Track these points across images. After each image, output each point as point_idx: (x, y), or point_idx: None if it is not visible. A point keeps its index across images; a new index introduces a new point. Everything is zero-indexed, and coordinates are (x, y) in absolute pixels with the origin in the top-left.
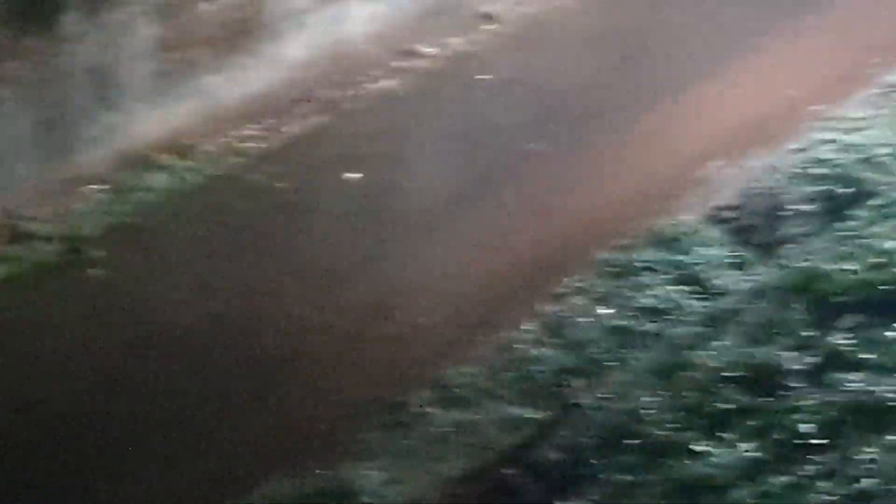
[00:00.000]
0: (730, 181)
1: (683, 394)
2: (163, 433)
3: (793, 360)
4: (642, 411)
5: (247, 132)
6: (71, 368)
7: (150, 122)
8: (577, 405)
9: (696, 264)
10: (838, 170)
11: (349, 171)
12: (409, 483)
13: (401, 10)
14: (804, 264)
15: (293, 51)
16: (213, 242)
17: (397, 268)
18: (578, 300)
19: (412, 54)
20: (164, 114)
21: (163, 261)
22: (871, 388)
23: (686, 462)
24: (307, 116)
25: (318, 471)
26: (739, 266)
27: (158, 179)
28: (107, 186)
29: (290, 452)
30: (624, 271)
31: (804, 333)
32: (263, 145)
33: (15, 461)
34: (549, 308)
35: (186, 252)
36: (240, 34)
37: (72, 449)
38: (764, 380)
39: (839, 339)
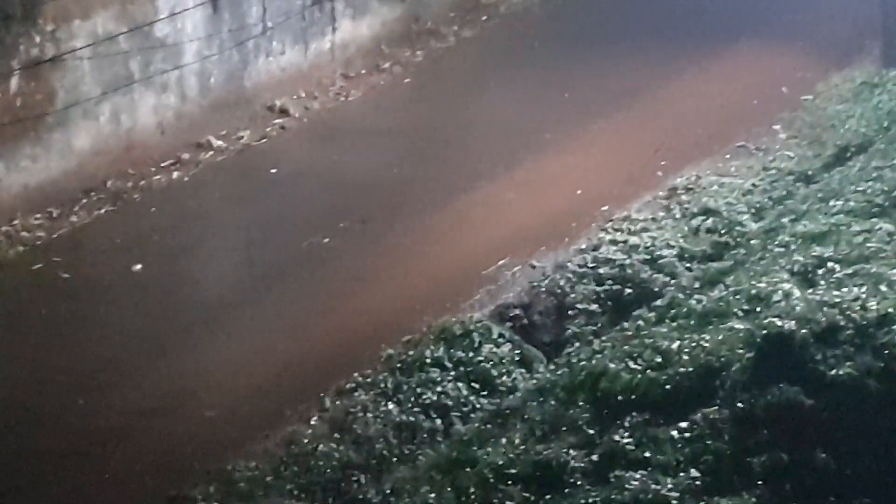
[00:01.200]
0: (518, 279)
1: (468, 490)
2: None
3: (576, 458)
4: None
5: (31, 221)
6: None
7: None
8: (361, 501)
9: (484, 362)
10: (624, 270)
11: (136, 263)
12: None
13: (191, 102)
14: (589, 363)
15: (82, 140)
16: None
17: (183, 361)
18: (366, 395)
19: (202, 146)
20: None
21: None
22: (652, 486)
23: None
24: (94, 206)
25: None
26: (526, 364)
27: None
28: None
29: None
30: (412, 367)
31: (588, 431)
32: (49, 234)
33: None
34: (337, 403)
35: None
36: (28, 122)
37: None
38: (548, 477)
39: (622, 438)
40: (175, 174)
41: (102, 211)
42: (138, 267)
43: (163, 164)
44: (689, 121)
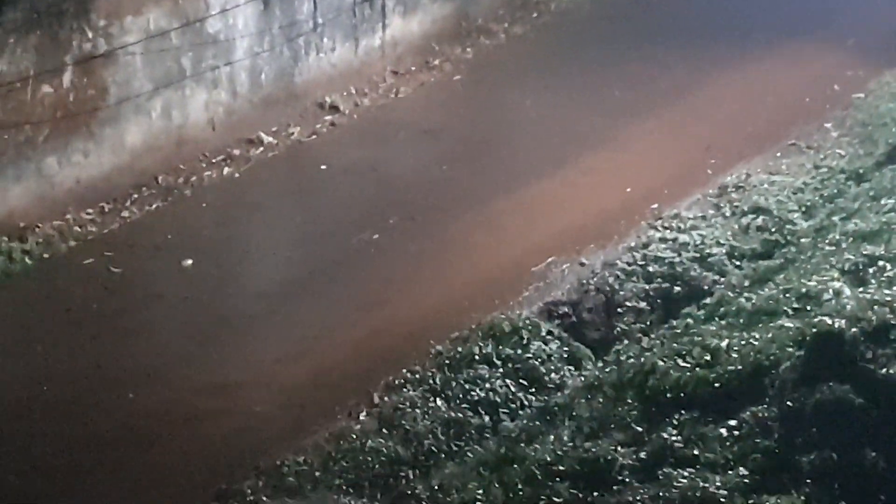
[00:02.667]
0: (567, 277)
1: (516, 487)
2: None
3: (625, 455)
4: None
5: (84, 216)
6: None
7: None
8: (409, 496)
9: (532, 359)
10: (674, 268)
11: (186, 258)
12: None
13: (241, 98)
14: (638, 361)
15: (134, 135)
16: (46, 326)
17: (232, 356)
18: (415, 391)
19: (253, 142)
20: (0, 195)
21: None
22: (700, 484)
23: None
24: (146, 202)
25: None
26: (574, 361)
27: None
28: None
29: None
30: (460, 364)
31: (636, 428)
32: (100, 229)
33: None
34: (386, 399)
35: (18, 335)
36: (80, 117)
37: None
38: (596, 474)
39: (671, 435)
40: (226, 170)
41: (153, 206)
42: (189, 262)
43: (213, 160)
44: (739, 119)
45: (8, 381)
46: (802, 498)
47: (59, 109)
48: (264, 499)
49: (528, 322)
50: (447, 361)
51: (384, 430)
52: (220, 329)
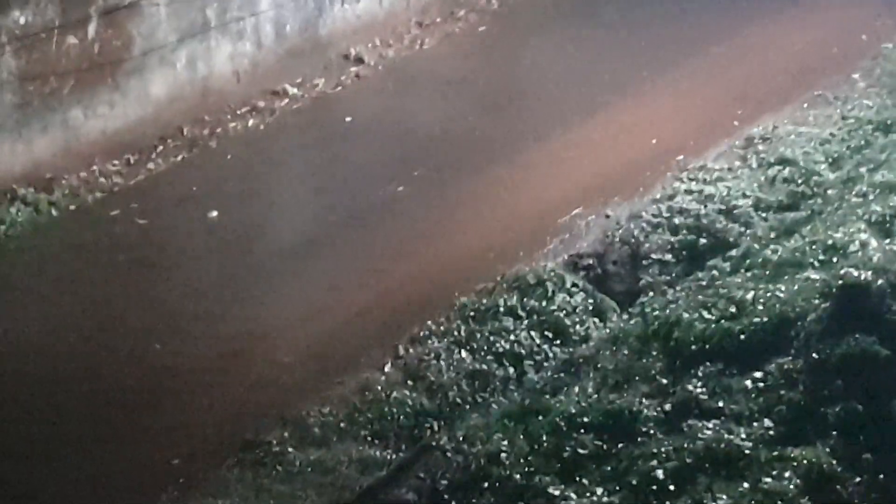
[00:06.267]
0: (592, 229)
1: (541, 438)
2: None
3: (649, 407)
4: (500, 455)
5: (109, 167)
6: None
7: (11, 154)
8: (434, 447)
9: (557, 311)
10: (699, 220)
11: (211, 209)
12: None
13: (266, 50)
14: (663, 313)
15: (158, 87)
16: (72, 278)
17: (258, 307)
18: (439, 343)
19: (278, 94)
20: (26, 146)
21: (19, 294)
22: (725, 436)
23: None
24: (171, 153)
25: None
26: (599, 313)
27: (17, 213)
28: None
29: (143, 490)
30: (485, 316)
31: (661, 381)
32: (126, 181)
33: None
34: (411, 350)
35: (44, 287)
36: (105, 69)
37: None
38: (620, 426)
39: (695, 387)
40: (251, 121)
41: (179, 158)
42: (214, 213)
43: (238, 112)
44: (766, 69)
45: (34, 333)
46: (828, 450)
47: (84, 61)
48: (290, 450)
49: (552, 274)
50: (472, 313)
51: (409, 382)
52: (246, 280)
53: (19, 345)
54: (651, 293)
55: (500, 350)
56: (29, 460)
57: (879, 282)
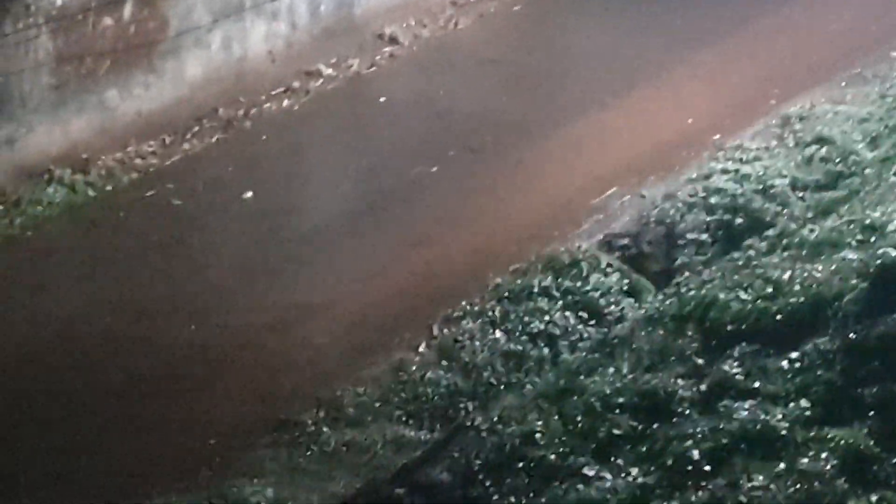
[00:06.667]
0: (627, 209)
1: (576, 419)
2: (42, 447)
3: (684, 388)
4: (534, 435)
5: (145, 148)
6: None
7: (48, 135)
8: (468, 427)
9: (591, 291)
10: (735, 200)
11: (246, 190)
12: (300, 500)
13: (300, 30)
14: (699, 293)
15: (194, 68)
16: (108, 258)
17: (292, 288)
18: (474, 324)
19: (312, 74)
20: (62, 127)
21: (57, 274)
22: (761, 417)
23: (577, 486)
24: (206, 134)
25: (210, 486)
26: (634, 293)
27: (54, 193)
28: (2, 199)
29: (179, 469)
30: (520, 296)
31: (697, 361)
32: (161, 162)
33: None
34: (445, 331)
35: (80, 266)
36: (140, 50)
37: None
38: (655, 406)
39: (731, 368)
40: (285, 102)
41: (214, 139)
42: (249, 194)
43: (273, 92)
44: (802, 48)
45: (71, 312)
46: (865, 430)
47: (119, 42)
48: (324, 430)
49: (587, 254)
50: (506, 294)
51: (443, 362)
52: (280, 261)
53: (56, 324)
54: (686, 273)
55: (535, 330)
56: (65, 440)
57: None
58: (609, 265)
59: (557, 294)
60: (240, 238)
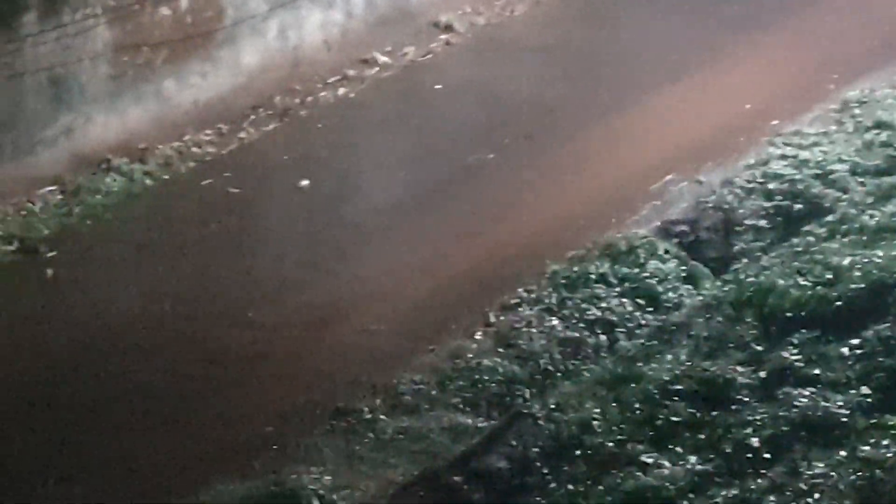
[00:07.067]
0: (684, 195)
1: (633, 406)
2: (109, 429)
3: (743, 375)
4: (592, 422)
5: (202, 137)
6: (24, 362)
7: (106, 124)
8: (525, 415)
9: (649, 278)
10: (794, 185)
11: (302, 179)
12: (357, 488)
13: (355, 18)
14: (757, 279)
15: (250, 56)
16: (165, 246)
17: (349, 275)
18: (531, 311)
19: (367, 62)
20: (120, 117)
21: (115, 263)
22: (821, 404)
23: (635, 473)
24: (262, 123)
25: (268, 473)
26: (692, 280)
27: (112, 182)
28: (62, 188)
29: (237, 456)
30: (576, 283)
31: (755, 348)
32: (218, 150)
33: None
34: (501, 318)
35: (138, 255)
36: (197, 39)
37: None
38: (714, 393)
39: (790, 355)
40: (341, 90)
41: (270, 127)
42: (305, 182)
43: (329, 81)
44: (862, 31)
45: (130, 300)
46: None
47: (176, 31)
48: (382, 417)
49: (644, 241)
50: (563, 280)
51: (500, 350)
52: (336, 249)
53: (116, 313)
54: (745, 260)
55: (592, 317)
56: (125, 428)
57: None
58: (666, 251)
59: (615, 281)
60: (296, 226)
